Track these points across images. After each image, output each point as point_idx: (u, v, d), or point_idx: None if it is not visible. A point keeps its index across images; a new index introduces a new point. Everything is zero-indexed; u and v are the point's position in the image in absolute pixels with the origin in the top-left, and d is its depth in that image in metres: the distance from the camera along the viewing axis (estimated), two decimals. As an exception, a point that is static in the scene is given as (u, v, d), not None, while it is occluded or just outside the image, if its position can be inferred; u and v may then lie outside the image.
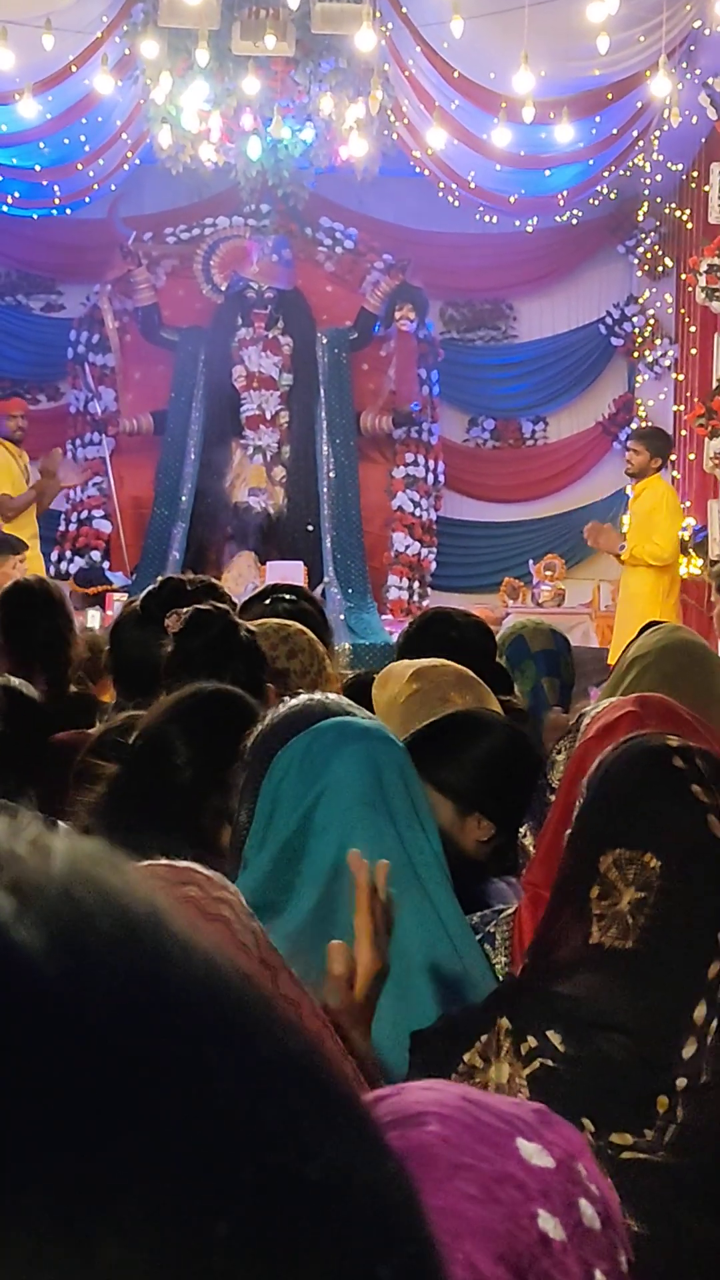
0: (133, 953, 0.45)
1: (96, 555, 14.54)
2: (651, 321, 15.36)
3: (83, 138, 13.64)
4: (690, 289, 13.05)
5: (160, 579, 4.36)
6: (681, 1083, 1.76)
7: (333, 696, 2.52)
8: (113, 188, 14.60)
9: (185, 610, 3.66)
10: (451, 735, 3.15)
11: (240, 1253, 0.43)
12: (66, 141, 13.57)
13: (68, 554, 14.46)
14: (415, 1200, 0.50)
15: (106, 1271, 0.41)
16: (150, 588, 4.31)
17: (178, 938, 0.47)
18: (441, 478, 15.26)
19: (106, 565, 14.42)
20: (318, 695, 2.50)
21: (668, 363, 15.26)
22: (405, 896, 2.22)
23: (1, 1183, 0.41)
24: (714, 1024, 1.77)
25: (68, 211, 14.62)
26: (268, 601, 4.87)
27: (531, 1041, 1.84)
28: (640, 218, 15.19)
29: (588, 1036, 1.81)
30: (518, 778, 3.07)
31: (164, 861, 1.65)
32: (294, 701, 2.47)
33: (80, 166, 13.90)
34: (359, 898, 2.10)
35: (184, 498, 14.74)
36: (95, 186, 14.32)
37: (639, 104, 13.05)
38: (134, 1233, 0.42)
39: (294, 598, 4.90)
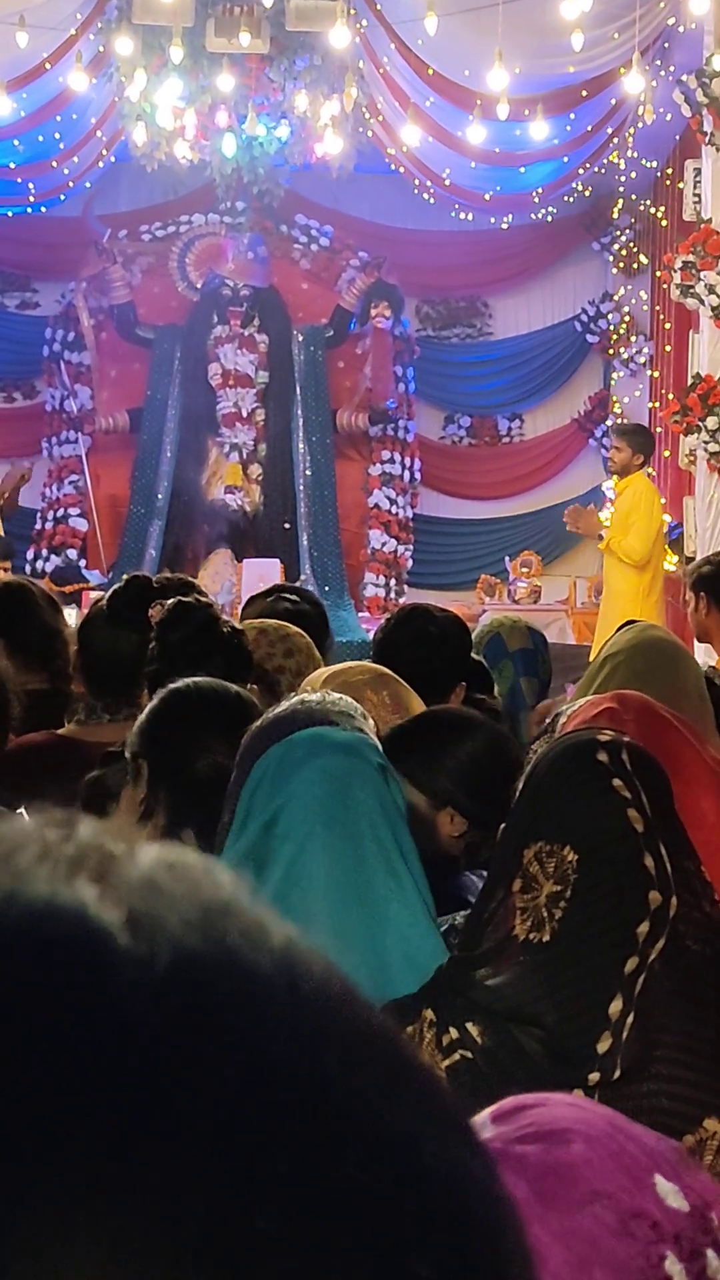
0: (210, 935, 0.46)
1: (73, 554, 14.52)
2: (626, 318, 15.39)
3: (57, 135, 13.61)
4: (665, 286, 13.06)
5: (126, 577, 4.34)
6: (594, 1077, 1.75)
7: (332, 698, 2.50)
8: (87, 185, 14.58)
9: (169, 602, 3.65)
10: (431, 732, 3.16)
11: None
12: (41, 139, 13.54)
13: (44, 552, 14.44)
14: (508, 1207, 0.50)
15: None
16: (116, 586, 4.29)
17: (256, 922, 0.47)
18: (418, 475, 15.27)
19: (83, 564, 14.40)
20: (312, 698, 2.48)
21: (643, 359, 15.29)
22: (349, 916, 2.21)
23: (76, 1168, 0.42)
24: (630, 1019, 1.77)
25: (42, 209, 14.59)
26: (270, 599, 4.87)
27: (453, 1033, 1.85)
28: (615, 215, 15.21)
29: (505, 1029, 1.82)
30: (494, 776, 3.08)
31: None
32: (283, 705, 2.46)
33: (55, 164, 13.87)
34: None
35: (160, 496, 14.74)
36: (70, 184, 14.29)
37: (613, 101, 13.06)
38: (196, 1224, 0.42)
39: (296, 599, 4.89)
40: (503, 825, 1.98)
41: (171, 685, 2.87)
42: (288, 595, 4.92)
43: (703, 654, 8.27)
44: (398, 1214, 0.45)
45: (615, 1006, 1.77)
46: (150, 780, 2.72)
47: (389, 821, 2.33)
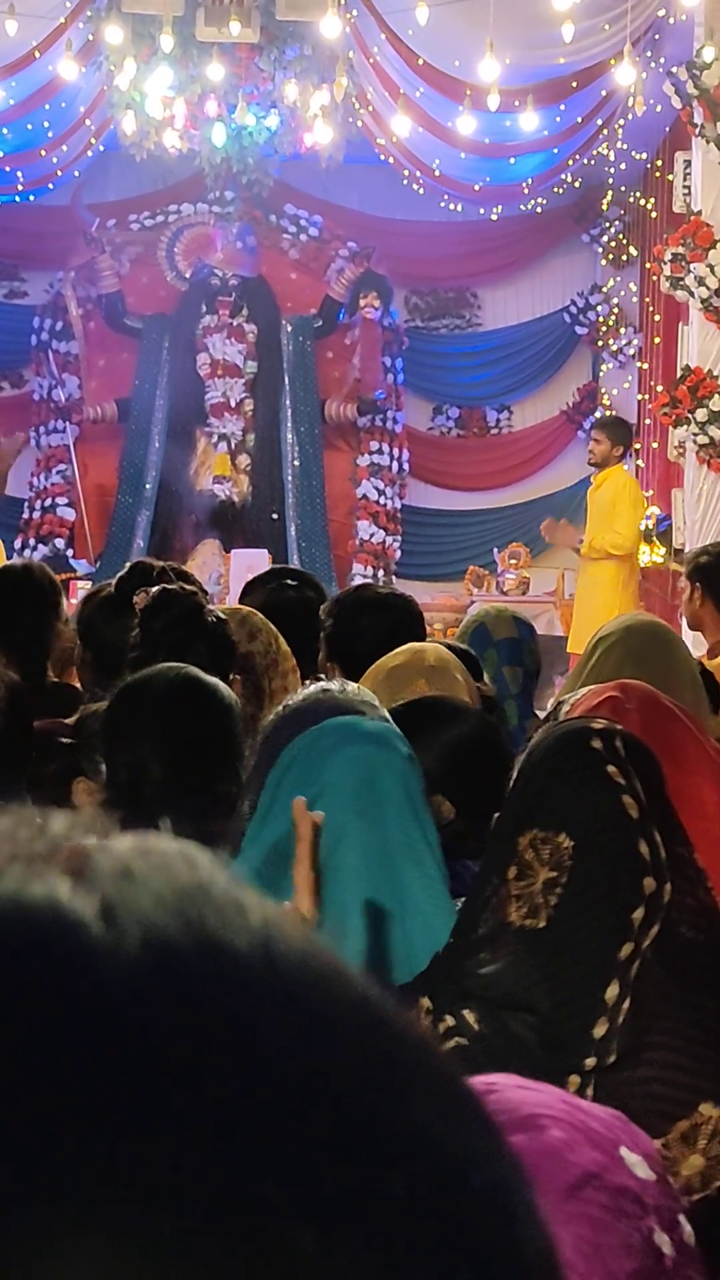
0: (185, 918, 0.45)
1: (60, 543, 14.51)
2: (616, 310, 15.39)
3: (46, 124, 13.58)
4: (654, 278, 13.06)
5: (130, 564, 4.33)
6: (590, 1063, 1.76)
7: (352, 688, 2.50)
8: (76, 174, 14.55)
9: (154, 589, 3.65)
10: (422, 717, 3.17)
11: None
12: (30, 127, 13.51)
13: (31, 541, 14.43)
14: (532, 1197, 0.49)
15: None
16: (121, 573, 4.28)
17: (234, 903, 0.47)
18: (406, 466, 15.27)
19: (70, 553, 14.39)
20: (334, 686, 2.48)
21: (632, 351, 15.29)
22: (379, 905, 2.21)
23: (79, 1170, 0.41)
24: (625, 1005, 1.77)
25: (31, 198, 14.56)
26: (271, 585, 4.86)
27: (448, 1020, 1.85)
28: (605, 206, 15.21)
29: (500, 1016, 1.82)
30: (482, 765, 3.08)
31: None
32: (308, 692, 2.45)
33: (43, 153, 13.84)
34: (300, 848, 2.11)
35: (148, 485, 14.73)
36: (59, 173, 14.26)
37: (603, 92, 13.05)
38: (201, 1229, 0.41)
39: (297, 584, 4.88)
40: (495, 813, 1.98)
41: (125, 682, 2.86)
42: (289, 581, 4.91)
43: (692, 642, 8.28)
44: (406, 1204, 0.44)
45: (611, 992, 1.78)
46: (109, 774, 2.71)
47: (414, 810, 2.34)
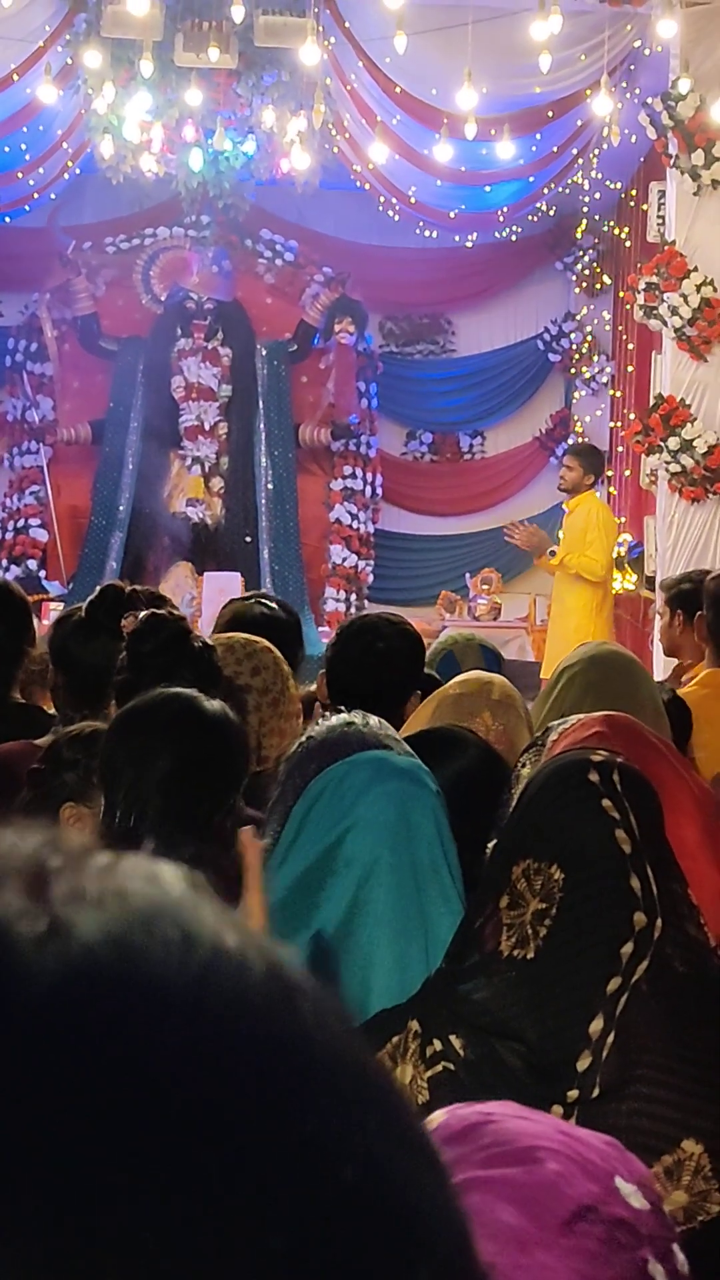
0: (123, 945, 0.45)
1: (33, 564, 14.49)
2: (589, 338, 15.46)
3: (23, 146, 13.58)
4: (628, 306, 13.13)
5: (100, 588, 4.33)
6: (573, 1094, 1.77)
7: (374, 722, 2.50)
8: (52, 196, 14.55)
9: (142, 613, 3.66)
10: (430, 748, 3.18)
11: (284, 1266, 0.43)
12: (7, 150, 13.51)
13: (4, 563, 14.41)
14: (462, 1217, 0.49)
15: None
16: (92, 597, 4.28)
17: (186, 931, 0.46)
18: (379, 491, 15.30)
19: (43, 574, 14.38)
20: (358, 720, 2.47)
21: (605, 379, 15.36)
22: (410, 944, 2.22)
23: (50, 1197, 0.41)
24: (610, 1038, 1.78)
25: (7, 220, 14.56)
26: (249, 601, 4.88)
27: (436, 1045, 1.86)
28: (579, 235, 15.29)
29: (488, 1043, 1.83)
30: (481, 795, 3.10)
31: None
32: (334, 723, 2.44)
33: (20, 175, 13.84)
34: (249, 877, 2.12)
35: (121, 507, 14.73)
36: (35, 195, 14.26)
37: (579, 122, 13.11)
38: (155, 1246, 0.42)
39: (273, 607, 4.89)
40: (492, 842, 1.99)
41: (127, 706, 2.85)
42: (266, 602, 4.92)
43: (664, 667, 8.33)
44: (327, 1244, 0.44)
45: (596, 1025, 1.78)
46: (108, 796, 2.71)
47: (443, 845, 2.34)
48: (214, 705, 2.76)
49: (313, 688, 4.62)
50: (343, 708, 2.53)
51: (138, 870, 0.48)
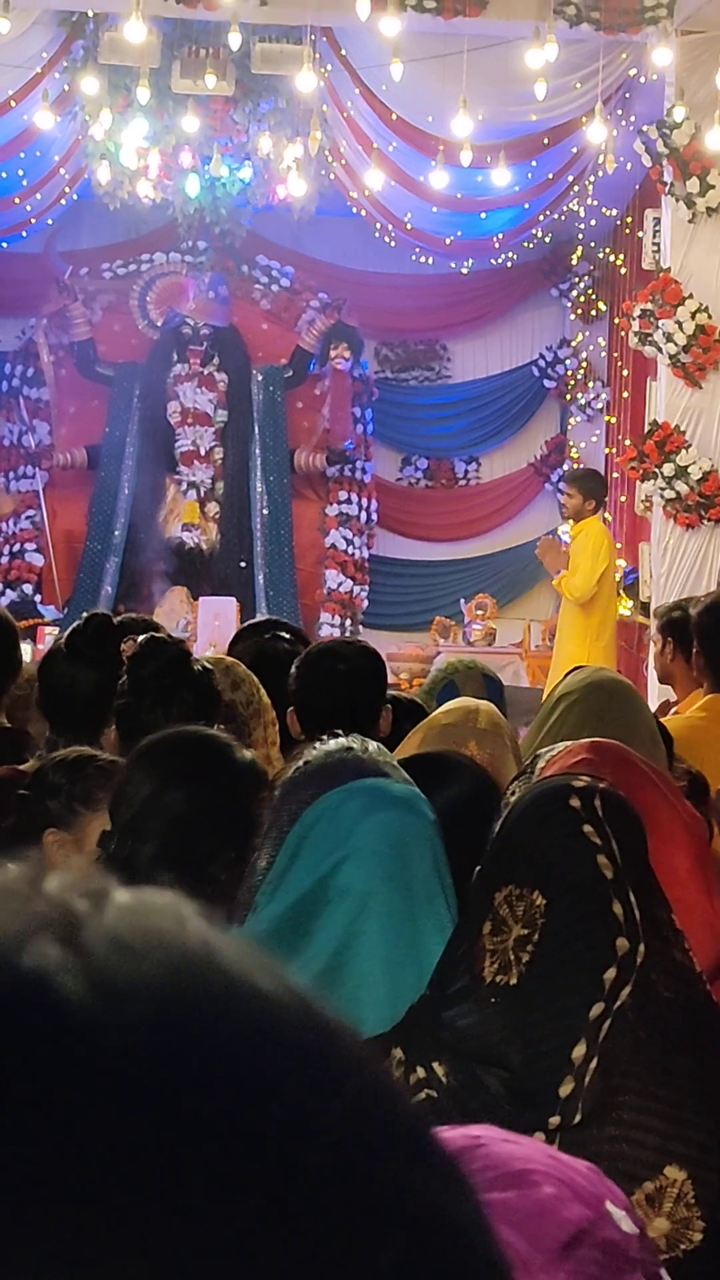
0: (173, 997, 0.45)
1: (29, 588, 14.50)
2: (584, 364, 15.49)
3: (20, 172, 13.61)
4: (623, 333, 13.16)
5: (86, 615, 4.35)
6: (555, 1121, 1.76)
7: (373, 748, 2.47)
8: (49, 222, 14.59)
9: (141, 637, 3.68)
10: (425, 773, 3.16)
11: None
12: (4, 175, 13.54)
13: (-1, 586, 14.43)
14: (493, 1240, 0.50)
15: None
16: (76, 624, 4.30)
17: (224, 977, 0.46)
18: (374, 516, 15.30)
19: (39, 598, 14.38)
20: (355, 745, 2.45)
21: (600, 405, 15.38)
22: (404, 976, 2.21)
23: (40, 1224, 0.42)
24: (592, 1064, 1.77)
25: (3, 245, 14.57)
26: (267, 636, 4.87)
27: (419, 1072, 1.85)
28: (574, 261, 15.33)
29: (471, 1070, 1.83)
30: (473, 822, 3.08)
31: None
32: (328, 749, 2.41)
33: (17, 200, 13.87)
34: None
35: (117, 532, 14.74)
36: (32, 221, 14.29)
37: (575, 149, 13.15)
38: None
39: (292, 640, 4.87)
40: (477, 868, 1.99)
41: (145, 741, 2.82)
42: (283, 635, 4.92)
43: (657, 695, 8.34)
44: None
45: (578, 1051, 1.78)
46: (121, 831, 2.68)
47: (439, 875, 2.32)
48: (245, 756, 2.74)
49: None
50: (325, 736, 2.50)
51: (165, 910, 0.48)
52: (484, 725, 3.56)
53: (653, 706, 5.35)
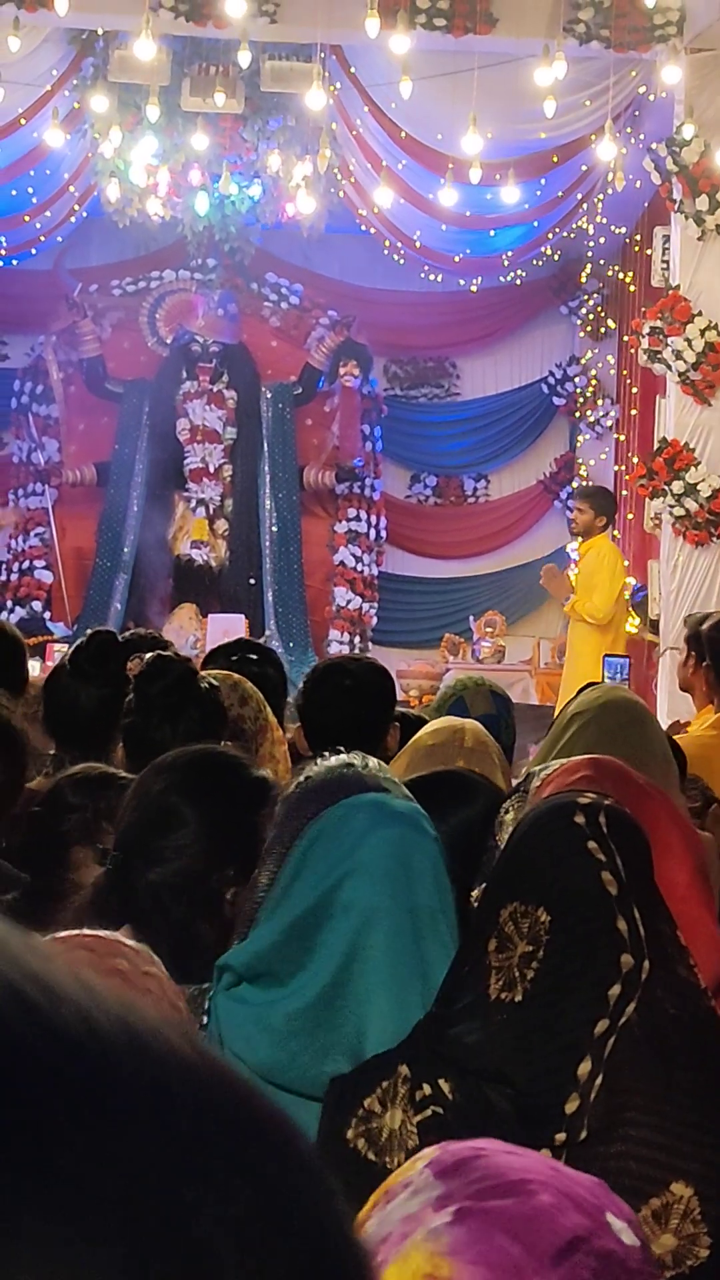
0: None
1: (38, 605, 14.51)
2: (593, 382, 15.50)
3: (30, 189, 13.66)
4: (632, 351, 13.17)
5: (90, 632, 4.35)
6: (561, 1138, 1.75)
7: (374, 764, 2.47)
8: (59, 239, 14.63)
9: (148, 655, 3.68)
10: (438, 793, 3.14)
11: None
12: (14, 193, 13.59)
13: (8, 604, 14.43)
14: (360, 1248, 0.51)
15: None
16: (79, 642, 4.30)
17: (60, 995, 0.48)
18: (383, 533, 15.32)
19: (48, 615, 14.39)
20: (356, 761, 2.45)
21: (609, 423, 15.39)
22: (408, 991, 2.20)
23: None
24: (598, 1081, 1.77)
25: (13, 263, 14.62)
26: (234, 658, 4.87)
27: (425, 1089, 1.85)
28: (583, 279, 15.34)
29: (476, 1087, 1.82)
30: (483, 843, 3.07)
31: (89, 932, 1.63)
32: (330, 765, 2.41)
33: (27, 218, 13.92)
34: None
35: (126, 549, 14.76)
36: (42, 238, 14.33)
37: (584, 167, 13.17)
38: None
39: (258, 660, 4.88)
40: (482, 885, 1.98)
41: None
42: (251, 655, 4.92)
43: (665, 713, 8.33)
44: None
45: (584, 1068, 1.77)
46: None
47: (440, 892, 2.32)
48: (255, 773, 2.72)
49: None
50: (327, 752, 2.50)
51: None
52: (470, 744, 3.55)
53: (663, 725, 5.35)
